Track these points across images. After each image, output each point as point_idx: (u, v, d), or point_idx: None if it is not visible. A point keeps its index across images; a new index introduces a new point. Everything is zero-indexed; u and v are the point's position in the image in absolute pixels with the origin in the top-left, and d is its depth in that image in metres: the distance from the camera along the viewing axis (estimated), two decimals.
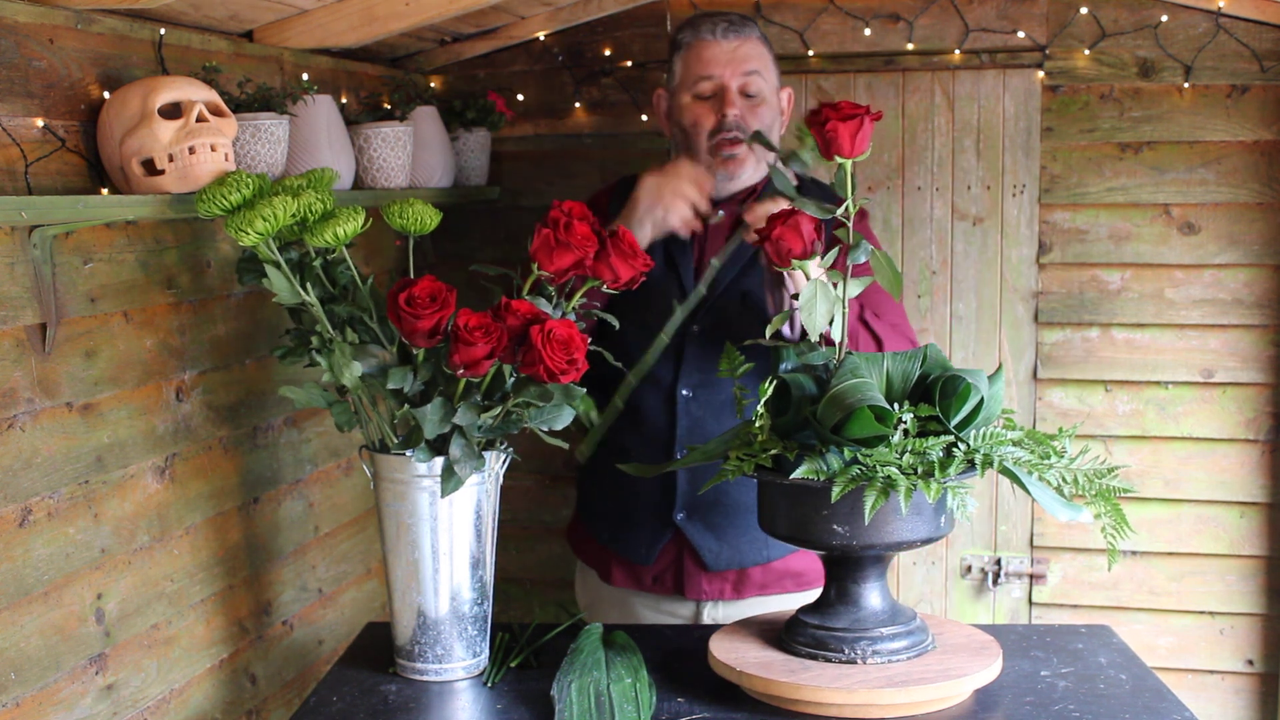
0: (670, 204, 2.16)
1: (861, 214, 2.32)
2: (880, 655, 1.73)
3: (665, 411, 2.27)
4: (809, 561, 2.32)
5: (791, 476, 1.68)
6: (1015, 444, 1.71)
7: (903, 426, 1.69)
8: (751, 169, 2.28)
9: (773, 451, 1.73)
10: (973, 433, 1.70)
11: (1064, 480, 1.68)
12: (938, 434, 1.69)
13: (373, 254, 2.79)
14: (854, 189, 1.73)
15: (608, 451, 2.26)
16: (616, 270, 1.81)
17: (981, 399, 1.69)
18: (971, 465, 1.68)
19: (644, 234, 2.16)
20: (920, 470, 1.65)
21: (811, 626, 1.78)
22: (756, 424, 1.76)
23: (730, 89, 2.24)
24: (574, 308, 1.88)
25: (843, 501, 1.66)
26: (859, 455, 1.66)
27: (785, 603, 2.29)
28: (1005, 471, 1.67)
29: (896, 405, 1.70)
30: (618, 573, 2.39)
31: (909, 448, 1.66)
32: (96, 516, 1.88)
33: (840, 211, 1.73)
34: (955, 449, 1.68)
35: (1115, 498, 1.67)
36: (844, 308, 1.75)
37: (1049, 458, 1.70)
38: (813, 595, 2.29)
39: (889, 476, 1.63)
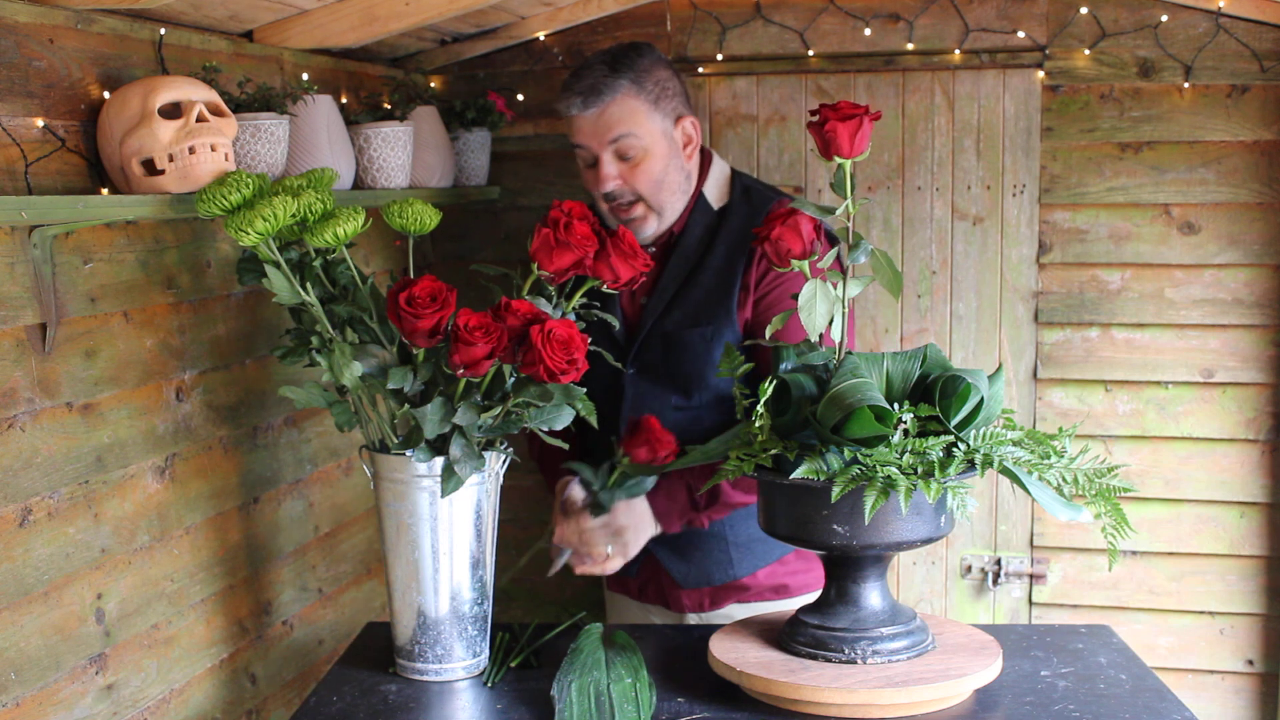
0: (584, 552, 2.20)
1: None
2: (880, 655, 1.73)
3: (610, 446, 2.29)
4: (787, 576, 2.35)
5: (791, 476, 1.68)
6: (1015, 444, 1.71)
7: (903, 426, 1.69)
8: (654, 222, 2.26)
9: (773, 451, 1.73)
10: (973, 433, 1.70)
11: (1064, 480, 1.68)
12: (938, 434, 1.69)
13: (373, 254, 2.79)
14: (853, 189, 1.73)
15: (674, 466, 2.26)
16: (617, 270, 1.81)
17: (981, 399, 1.69)
18: (971, 465, 1.68)
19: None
20: (920, 470, 1.65)
21: (811, 626, 1.78)
22: (756, 424, 1.76)
23: (602, 160, 2.20)
24: (573, 308, 1.88)
25: (843, 501, 1.66)
26: (859, 455, 1.66)
27: (769, 608, 2.31)
28: (1005, 471, 1.67)
29: (896, 405, 1.70)
30: (611, 580, 2.47)
31: (909, 448, 1.67)
32: (96, 516, 1.88)
33: (840, 211, 1.73)
34: (955, 449, 1.68)
35: (1115, 497, 1.67)
36: (844, 308, 1.75)
37: (1049, 458, 1.70)
38: (797, 601, 2.30)
39: (889, 476, 1.63)
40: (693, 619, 2.38)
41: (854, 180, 1.75)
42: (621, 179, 2.21)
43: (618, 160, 2.20)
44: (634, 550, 2.17)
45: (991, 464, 1.67)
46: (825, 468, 1.67)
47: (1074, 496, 1.68)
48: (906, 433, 1.69)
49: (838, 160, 1.72)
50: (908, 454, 1.66)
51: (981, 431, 1.70)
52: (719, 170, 2.35)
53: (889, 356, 1.77)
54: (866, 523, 1.65)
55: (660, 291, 2.28)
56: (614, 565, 2.16)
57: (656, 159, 2.21)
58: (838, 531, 1.69)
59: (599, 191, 2.24)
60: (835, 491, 1.63)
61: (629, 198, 2.22)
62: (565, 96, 2.22)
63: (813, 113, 1.75)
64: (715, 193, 2.33)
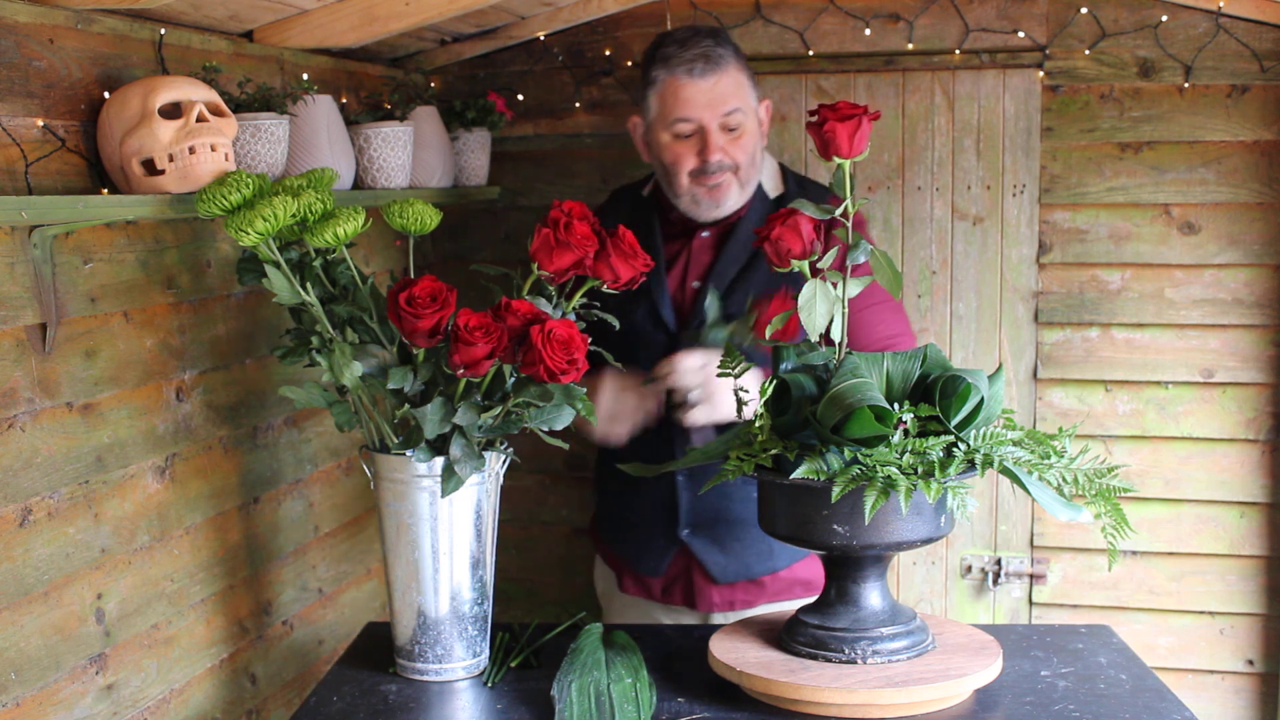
0: (632, 418, 2.17)
1: (859, 220, 2.33)
2: (880, 655, 1.73)
3: (664, 423, 2.27)
4: (818, 569, 2.31)
5: (792, 476, 1.68)
6: (1015, 444, 1.71)
7: (903, 426, 1.69)
8: (736, 195, 2.26)
9: (773, 451, 1.73)
10: (973, 433, 1.70)
11: (1064, 480, 1.68)
12: (938, 434, 1.69)
13: (373, 254, 2.79)
14: (853, 189, 1.73)
15: (614, 460, 2.25)
16: (617, 270, 1.81)
17: (981, 399, 1.69)
18: (971, 465, 1.68)
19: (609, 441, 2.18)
20: (920, 470, 1.65)
21: (811, 626, 1.78)
22: (756, 424, 1.76)
23: (711, 131, 2.20)
24: (573, 308, 1.88)
25: (843, 501, 1.66)
26: (859, 455, 1.66)
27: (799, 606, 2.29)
28: (1005, 471, 1.67)
29: (896, 405, 1.70)
30: (628, 581, 2.43)
31: (909, 448, 1.66)
32: (96, 516, 1.88)
33: (839, 211, 1.73)
34: (955, 449, 1.68)
35: (1115, 498, 1.67)
36: (844, 308, 1.75)
37: (1049, 458, 1.70)
38: None
39: (889, 476, 1.63)
40: (718, 619, 2.35)
41: (854, 180, 1.75)
42: (724, 151, 2.21)
43: (723, 132, 2.21)
44: (720, 410, 2.10)
45: (992, 464, 1.67)
46: (825, 468, 1.67)
47: (1074, 496, 1.68)
48: (907, 433, 1.69)
49: (837, 160, 1.72)
50: (908, 454, 1.66)
51: (982, 431, 1.70)
52: (770, 161, 2.39)
53: (889, 356, 1.77)
54: (866, 523, 1.66)
55: (717, 276, 2.28)
56: (696, 416, 2.12)
57: (751, 134, 2.24)
58: (838, 531, 1.69)
59: (695, 164, 2.21)
60: (835, 491, 1.63)
61: (727, 168, 2.22)
62: (677, 61, 2.19)
63: (811, 113, 1.75)
64: (770, 182, 2.35)
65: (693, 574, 2.34)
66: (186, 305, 2.10)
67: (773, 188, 2.35)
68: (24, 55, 1.71)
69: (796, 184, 2.36)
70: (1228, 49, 2.81)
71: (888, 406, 1.66)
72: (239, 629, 2.26)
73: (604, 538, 2.49)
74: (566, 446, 1.97)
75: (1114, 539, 1.65)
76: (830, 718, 1.68)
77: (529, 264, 1.82)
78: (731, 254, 2.29)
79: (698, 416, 2.11)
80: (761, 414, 1.76)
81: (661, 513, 2.32)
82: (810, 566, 2.34)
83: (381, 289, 1.90)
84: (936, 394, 1.69)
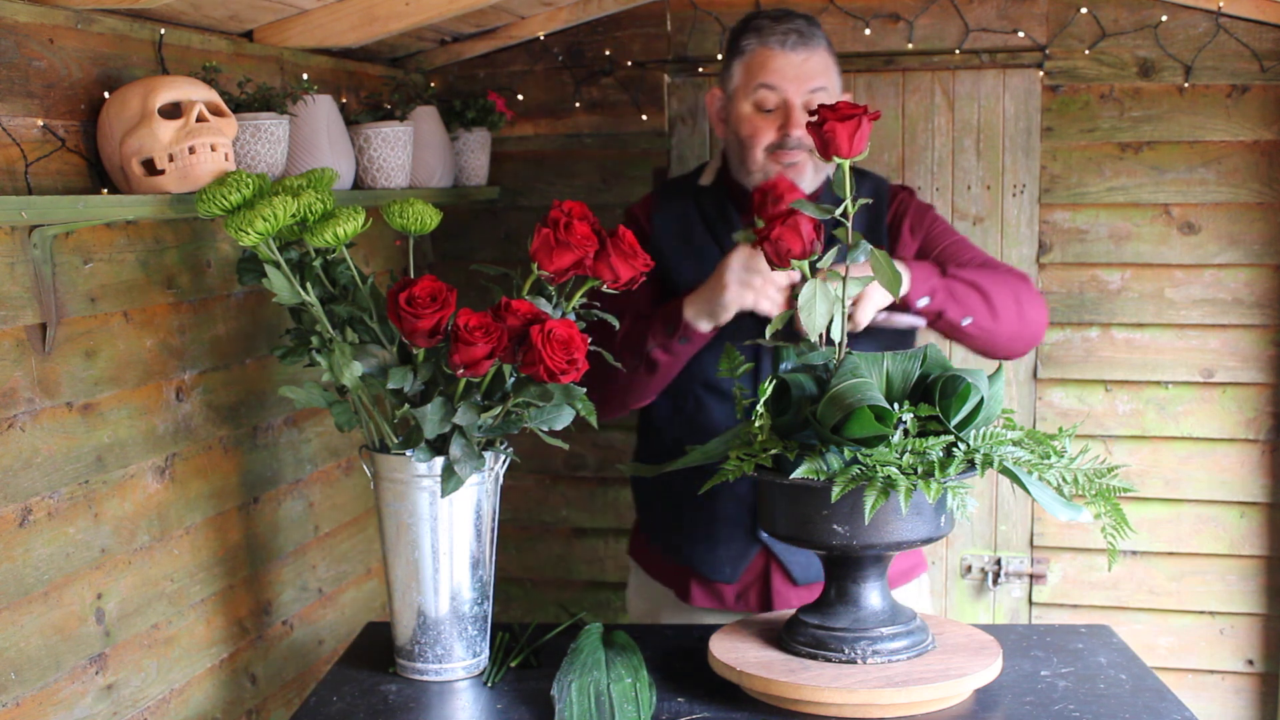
0: (762, 292, 2.01)
1: (926, 207, 2.30)
2: (880, 655, 1.73)
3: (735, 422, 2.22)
4: (897, 568, 2.24)
5: (791, 476, 1.68)
6: (1015, 444, 1.71)
7: (903, 426, 1.70)
8: (810, 176, 2.19)
9: (773, 451, 1.73)
10: (973, 433, 1.70)
11: (1064, 480, 1.68)
12: (937, 434, 1.69)
13: (373, 254, 2.79)
14: (853, 189, 1.73)
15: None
16: (617, 270, 1.81)
17: (981, 399, 1.69)
18: (971, 465, 1.68)
19: (726, 314, 2.03)
20: (920, 470, 1.65)
21: (811, 626, 1.78)
22: (756, 424, 1.76)
23: (795, 106, 2.13)
24: (573, 308, 1.88)
25: (843, 501, 1.66)
26: (859, 455, 1.66)
27: None
28: (1005, 471, 1.67)
29: (896, 405, 1.70)
30: (697, 592, 2.29)
31: (909, 448, 1.66)
32: (96, 516, 1.88)
33: (839, 211, 1.73)
34: (955, 449, 1.68)
35: (1115, 498, 1.67)
36: (843, 308, 1.75)
37: (1049, 457, 1.70)
38: (898, 593, 2.26)
39: (889, 476, 1.63)
40: None
41: (854, 180, 1.75)
42: (804, 128, 2.13)
43: (805, 111, 2.15)
44: (863, 313, 1.98)
45: (991, 464, 1.67)
46: (825, 468, 1.67)
47: (1074, 496, 1.68)
48: (907, 433, 1.69)
49: (837, 160, 1.72)
50: (908, 454, 1.66)
51: (981, 431, 1.70)
52: None
53: (889, 356, 1.77)
54: (866, 523, 1.66)
55: None
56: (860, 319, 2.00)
57: None
58: (838, 531, 1.69)
59: (774, 139, 2.16)
60: (835, 491, 1.63)
61: (806, 145, 2.15)
62: (770, 31, 2.15)
63: (811, 113, 1.75)
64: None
65: (771, 577, 2.24)
66: (186, 305, 2.10)
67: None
68: (24, 55, 1.71)
69: (858, 172, 2.29)
70: (1228, 49, 2.81)
71: (887, 406, 1.66)
72: (239, 629, 2.26)
73: (666, 548, 2.34)
74: (566, 446, 1.97)
75: (1114, 539, 1.66)
76: (830, 717, 1.68)
77: (529, 264, 1.82)
78: None
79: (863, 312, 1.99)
80: (761, 414, 1.76)
81: (741, 514, 2.22)
82: (891, 565, 2.21)
83: (381, 289, 1.89)
84: (936, 394, 1.70)
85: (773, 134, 2.16)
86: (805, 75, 2.14)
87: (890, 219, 2.27)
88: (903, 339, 2.20)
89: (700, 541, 2.26)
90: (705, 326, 2.05)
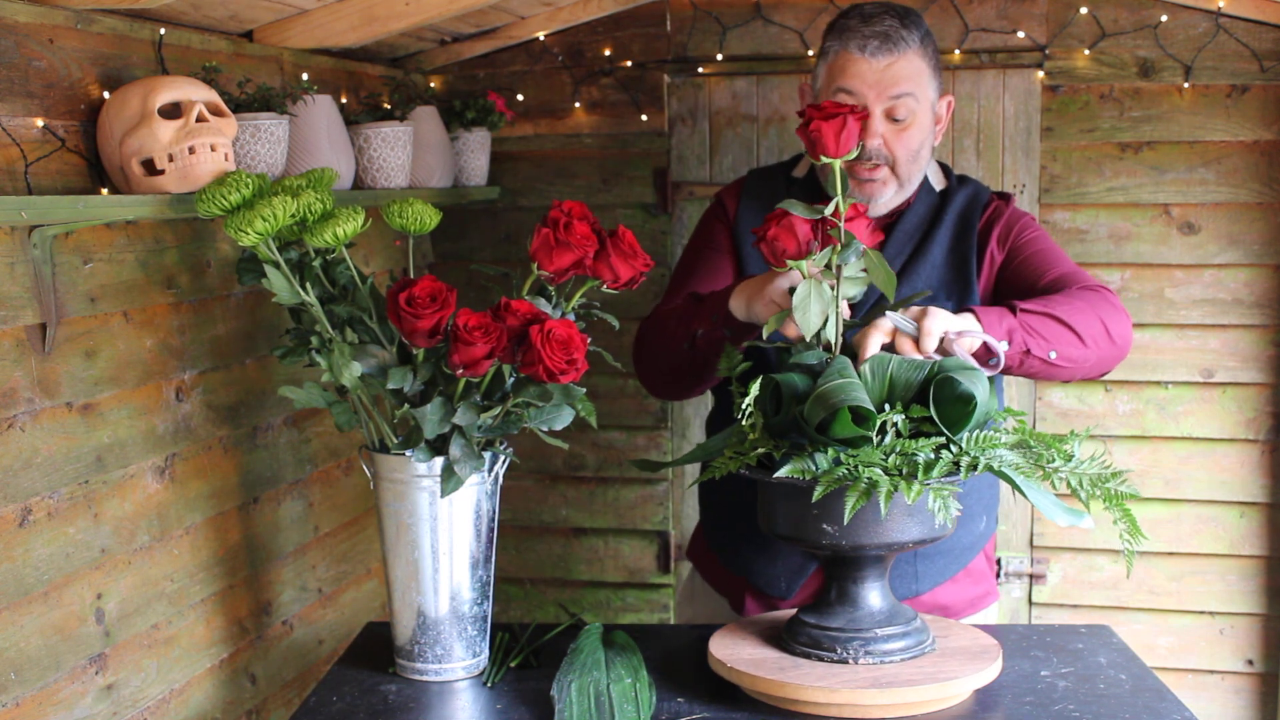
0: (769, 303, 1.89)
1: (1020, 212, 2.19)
2: (873, 656, 1.72)
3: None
4: (958, 593, 2.18)
5: (774, 476, 1.67)
6: (1010, 447, 1.69)
7: (894, 428, 1.69)
8: (893, 190, 2.10)
9: (760, 451, 1.73)
10: (965, 435, 1.69)
11: (1069, 485, 1.66)
12: (930, 435, 1.68)
13: (373, 254, 2.79)
14: (845, 188, 1.73)
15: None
16: (616, 270, 1.81)
17: (975, 401, 1.67)
18: (956, 467, 1.67)
19: (765, 312, 1.89)
20: (905, 471, 1.64)
21: (809, 626, 1.78)
22: (747, 423, 1.76)
23: (874, 115, 2.03)
24: (573, 308, 1.88)
25: (834, 503, 1.65)
26: (842, 456, 1.66)
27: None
28: (1003, 475, 1.66)
29: (889, 407, 1.70)
30: (751, 604, 2.22)
31: (897, 449, 1.66)
32: (96, 516, 1.88)
33: (829, 210, 1.73)
34: (947, 451, 1.67)
35: (1125, 503, 1.65)
36: (838, 307, 1.74)
37: (1052, 462, 1.68)
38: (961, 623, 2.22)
39: (871, 478, 1.62)
40: None
41: (845, 179, 1.75)
42: (883, 140, 2.04)
43: (886, 119, 2.04)
44: (935, 326, 1.79)
45: (976, 467, 1.66)
46: (813, 467, 1.67)
47: (1090, 500, 1.66)
48: (899, 434, 1.69)
49: (825, 160, 1.72)
50: (894, 455, 1.65)
51: (974, 435, 1.69)
52: (932, 161, 2.22)
53: (895, 360, 1.75)
54: (845, 523, 1.64)
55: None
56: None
57: (920, 128, 2.06)
58: (827, 531, 1.69)
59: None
60: (817, 491, 1.63)
61: (880, 160, 2.05)
62: (852, 35, 2.03)
63: (799, 113, 1.74)
64: (933, 175, 2.20)
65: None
66: (186, 305, 2.10)
67: (937, 182, 2.20)
68: (24, 55, 1.72)
69: (958, 179, 2.22)
70: (1228, 49, 2.81)
71: (870, 408, 1.65)
72: (239, 629, 2.26)
73: (724, 556, 2.26)
74: (566, 446, 1.97)
75: (1130, 543, 1.63)
76: (830, 717, 1.68)
77: (529, 264, 1.82)
78: (895, 247, 2.14)
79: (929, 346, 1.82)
80: (753, 413, 1.76)
81: None
82: (953, 591, 2.17)
83: (381, 289, 1.89)
84: (930, 396, 1.69)
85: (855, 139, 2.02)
86: (887, 82, 2.01)
87: (981, 226, 2.16)
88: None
89: (757, 555, 2.18)
90: (740, 315, 1.92)
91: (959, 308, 1.89)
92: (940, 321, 1.76)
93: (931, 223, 2.16)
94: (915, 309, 1.76)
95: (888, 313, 1.79)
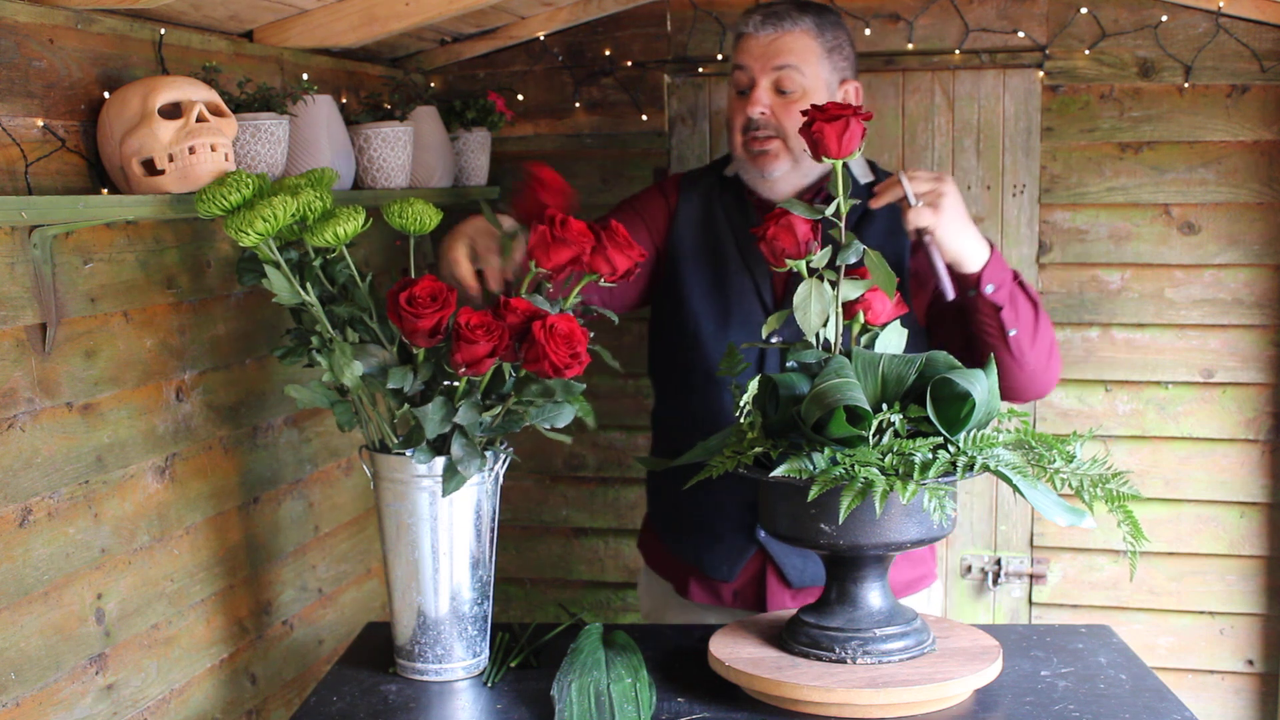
0: (450, 260, 1.98)
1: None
2: (871, 656, 1.72)
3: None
4: (894, 575, 2.21)
5: (771, 475, 1.67)
6: (1008, 447, 1.69)
7: (891, 427, 1.69)
8: (787, 165, 2.16)
9: (758, 450, 1.73)
10: (963, 435, 1.69)
11: (1071, 486, 1.66)
12: (928, 435, 1.68)
13: (373, 254, 2.79)
14: (846, 189, 1.73)
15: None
16: (614, 262, 1.82)
17: (974, 401, 1.67)
18: (953, 467, 1.66)
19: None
20: (901, 471, 1.64)
21: (809, 625, 1.78)
22: (745, 421, 1.76)
23: (760, 85, 2.13)
24: (570, 304, 1.88)
25: (832, 502, 1.65)
26: (838, 455, 1.66)
27: None
28: (1002, 476, 1.66)
29: (885, 406, 1.70)
30: (695, 588, 2.31)
31: (894, 448, 1.66)
32: (96, 516, 1.88)
33: (830, 211, 1.73)
34: (944, 451, 1.67)
35: (1127, 505, 1.65)
36: (838, 307, 1.75)
37: (1054, 463, 1.68)
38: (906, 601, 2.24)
39: (867, 477, 1.62)
40: None
41: (848, 180, 1.75)
42: (771, 111, 2.14)
43: (773, 92, 2.14)
44: (949, 217, 1.92)
45: (973, 468, 1.66)
46: (810, 466, 1.67)
47: (1092, 500, 1.66)
48: (897, 433, 1.69)
49: (827, 160, 1.72)
50: (891, 455, 1.65)
51: (972, 435, 1.69)
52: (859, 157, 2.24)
53: (886, 358, 1.76)
54: (840, 522, 1.64)
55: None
56: (921, 218, 1.91)
57: (810, 104, 2.11)
58: (824, 530, 1.69)
59: (742, 118, 2.16)
60: (813, 490, 1.63)
61: (770, 131, 2.14)
62: (745, 17, 2.18)
63: (802, 113, 1.75)
64: (858, 168, 2.27)
65: (767, 578, 2.25)
66: (186, 305, 2.10)
67: (861, 174, 2.27)
68: (24, 55, 1.72)
69: (885, 174, 2.28)
70: (1228, 49, 2.81)
71: (866, 407, 1.65)
72: (239, 629, 2.26)
73: (667, 541, 2.37)
74: (569, 440, 1.97)
75: (1133, 544, 1.63)
76: (829, 717, 1.68)
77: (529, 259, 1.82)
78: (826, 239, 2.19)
79: (922, 219, 1.91)
80: (752, 412, 1.76)
81: (740, 513, 2.22)
82: (894, 577, 2.21)
83: (381, 289, 1.89)
84: (928, 395, 1.69)
85: (742, 115, 2.16)
86: (771, 54, 2.13)
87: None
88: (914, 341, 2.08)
89: (700, 539, 2.28)
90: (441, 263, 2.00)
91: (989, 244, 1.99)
92: (950, 204, 1.90)
93: (860, 214, 2.20)
94: (931, 176, 1.84)
95: (902, 176, 1.90)
